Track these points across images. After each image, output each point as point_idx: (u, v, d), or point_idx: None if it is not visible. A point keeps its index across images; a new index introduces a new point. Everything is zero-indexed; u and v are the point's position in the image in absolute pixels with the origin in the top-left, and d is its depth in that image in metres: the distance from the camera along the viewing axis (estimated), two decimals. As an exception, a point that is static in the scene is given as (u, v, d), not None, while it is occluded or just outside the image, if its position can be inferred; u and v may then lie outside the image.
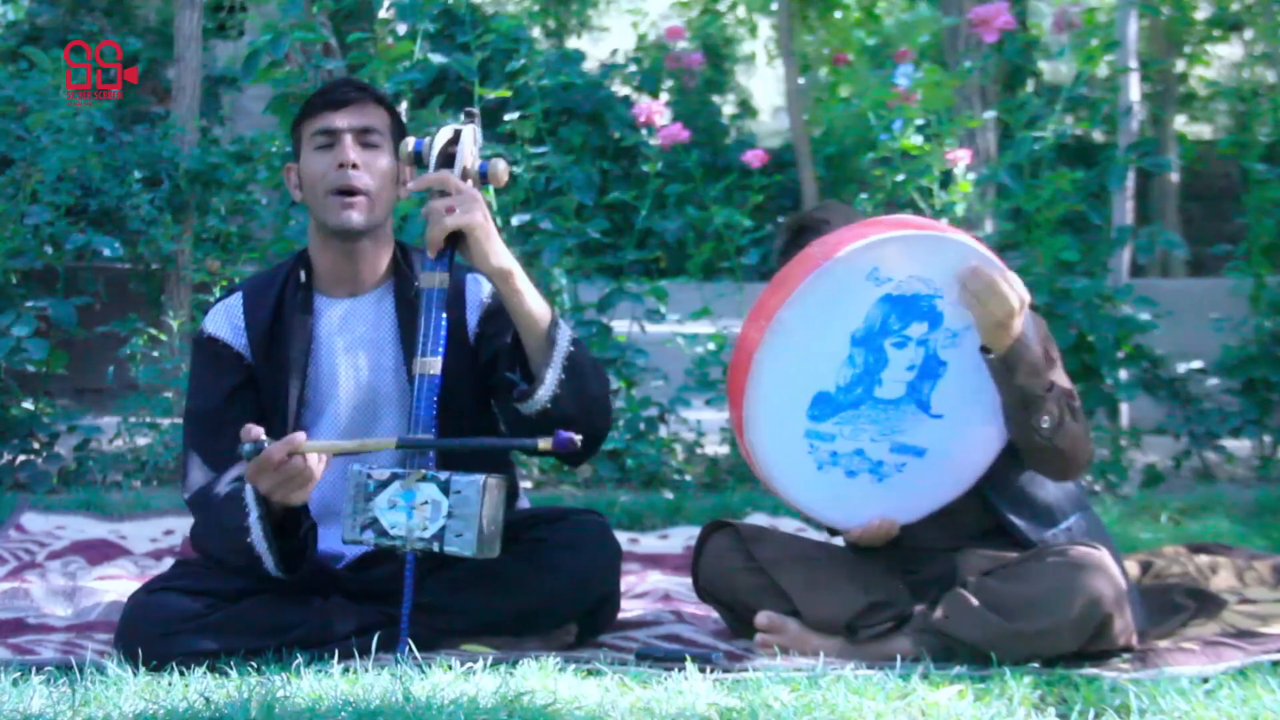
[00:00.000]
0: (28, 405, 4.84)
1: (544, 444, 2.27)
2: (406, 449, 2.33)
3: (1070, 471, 2.47)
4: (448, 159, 2.47)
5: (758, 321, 2.32)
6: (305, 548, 2.42)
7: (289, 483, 2.28)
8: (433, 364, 2.38)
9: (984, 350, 2.36)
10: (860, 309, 2.33)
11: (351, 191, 2.53)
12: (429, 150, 2.48)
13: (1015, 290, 2.30)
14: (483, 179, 2.48)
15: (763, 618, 2.49)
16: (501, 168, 2.48)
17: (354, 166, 2.52)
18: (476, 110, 2.56)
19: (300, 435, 2.28)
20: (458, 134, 2.49)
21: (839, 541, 2.67)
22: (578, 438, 2.26)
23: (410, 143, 2.51)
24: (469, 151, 2.47)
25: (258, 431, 2.28)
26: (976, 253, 2.34)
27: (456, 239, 2.42)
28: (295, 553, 2.41)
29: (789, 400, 2.37)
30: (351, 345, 2.62)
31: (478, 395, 2.62)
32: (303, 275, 2.62)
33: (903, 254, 2.31)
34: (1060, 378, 2.50)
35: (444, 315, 2.41)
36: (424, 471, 2.31)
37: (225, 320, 2.63)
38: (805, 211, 2.76)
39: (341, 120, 2.55)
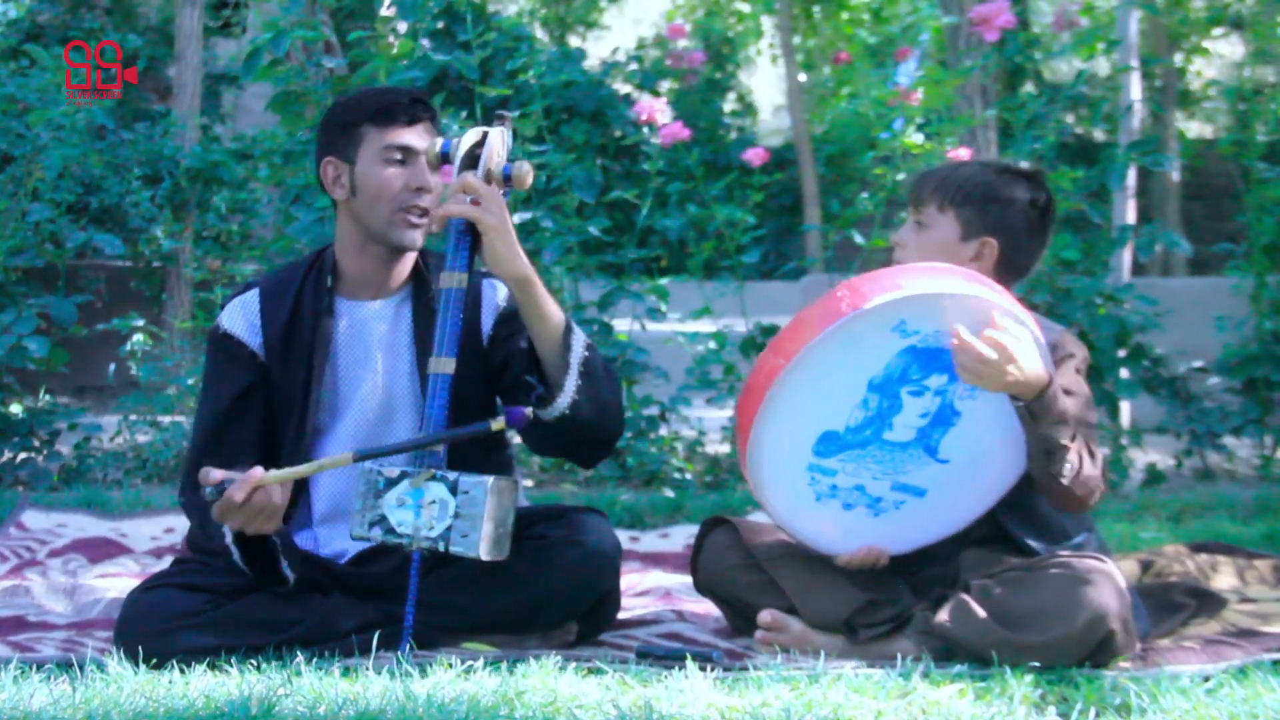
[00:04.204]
0: (29, 403, 4.84)
1: (496, 424, 2.31)
2: (364, 460, 2.34)
3: (1079, 509, 2.45)
4: (473, 160, 2.48)
5: (775, 358, 2.30)
6: (279, 563, 2.45)
7: (256, 517, 2.30)
8: (446, 364, 2.39)
9: (1012, 397, 2.34)
10: (882, 358, 2.31)
11: (425, 213, 2.55)
12: (455, 151, 2.49)
13: (1007, 355, 2.25)
14: (506, 181, 2.47)
15: (765, 616, 2.49)
16: (525, 170, 2.48)
17: (430, 191, 2.55)
18: (508, 114, 2.56)
19: (257, 471, 2.29)
20: (485, 136, 2.49)
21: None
22: (529, 411, 2.33)
23: (438, 143, 2.52)
24: (495, 153, 2.47)
25: (217, 474, 2.28)
26: (1010, 314, 2.29)
27: (476, 241, 2.43)
28: (269, 568, 2.44)
29: (796, 435, 2.37)
30: (369, 348, 2.62)
31: (486, 397, 2.63)
32: (328, 279, 2.62)
33: (934, 310, 2.27)
34: (1087, 414, 2.47)
35: (461, 316, 2.42)
36: (433, 471, 2.31)
37: (242, 317, 2.62)
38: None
39: (418, 140, 2.55)
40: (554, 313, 2.46)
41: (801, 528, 2.50)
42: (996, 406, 2.36)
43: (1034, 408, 2.31)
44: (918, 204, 2.59)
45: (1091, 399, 2.54)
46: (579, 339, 2.47)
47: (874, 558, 2.48)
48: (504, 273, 2.43)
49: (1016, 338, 2.27)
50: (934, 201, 2.56)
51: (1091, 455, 2.40)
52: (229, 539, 2.38)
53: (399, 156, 2.54)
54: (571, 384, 2.43)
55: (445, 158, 2.51)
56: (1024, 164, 2.66)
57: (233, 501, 2.26)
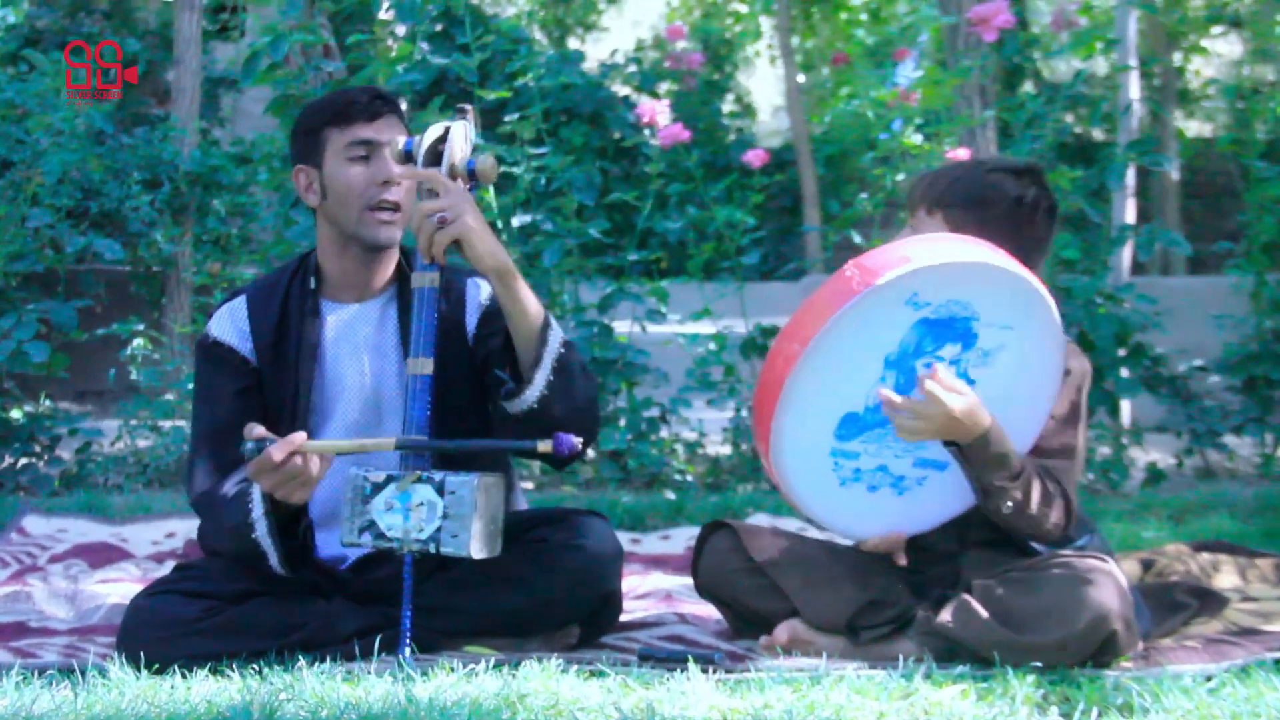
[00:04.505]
0: (29, 408, 4.85)
1: (543, 446, 2.27)
2: (405, 450, 2.33)
3: (1033, 538, 2.47)
4: (436, 157, 2.47)
5: (791, 344, 2.28)
6: (307, 546, 2.44)
7: (289, 482, 2.29)
8: (424, 364, 2.38)
9: (946, 442, 2.37)
10: (896, 333, 2.31)
11: (396, 208, 2.54)
12: (418, 149, 2.48)
13: (950, 397, 2.29)
14: (471, 176, 2.47)
15: (783, 632, 2.48)
16: (490, 164, 2.46)
17: (398, 184, 2.54)
18: (470, 107, 2.55)
19: (301, 435, 2.28)
20: (447, 131, 2.48)
21: (840, 540, 2.66)
22: (578, 441, 2.27)
23: (401, 141, 2.50)
24: (458, 148, 2.46)
25: (260, 430, 2.29)
26: (1016, 276, 2.31)
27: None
28: (298, 551, 2.43)
29: (817, 421, 2.36)
30: (356, 349, 2.62)
31: (474, 396, 2.62)
32: (312, 281, 2.62)
33: (944, 280, 2.27)
34: (1066, 437, 2.48)
35: (435, 315, 2.41)
36: (419, 473, 2.30)
37: (230, 325, 2.63)
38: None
39: (379, 133, 2.55)
40: (533, 307, 2.44)
41: (827, 515, 2.48)
42: (1009, 374, 2.37)
43: (968, 452, 2.35)
44: (911, 208, 2.59)
45: (1084, 420, 2.53)
46: (556, 335, 2.45)
47: (898, 539, 2.49)
48: (485, 268, 2.40)
49: (951, 388, 2.30)
50: (923, 205, 2.56)
51: (1046, 491, 2.41)
52: (258, 511, 2.36)
53: (362, 152, 2.54)
54: (542, 378, 2.41)
55: (409, 156, 2.49)
56: (1020, 160, 2.65)
57: (270, 460, 2.25)
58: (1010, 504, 2.37)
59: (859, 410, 2.37)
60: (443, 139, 2.47)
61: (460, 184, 2.43)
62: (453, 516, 2.26)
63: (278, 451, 2.25)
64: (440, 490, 2.27)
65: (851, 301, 2.23)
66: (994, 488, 2.37)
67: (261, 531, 2.37)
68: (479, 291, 2.64)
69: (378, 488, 2.31)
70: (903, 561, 2.52)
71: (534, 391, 2.41)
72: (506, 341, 2.48)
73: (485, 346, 2.59)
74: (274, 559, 2.40)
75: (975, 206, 2.51)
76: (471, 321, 2.63)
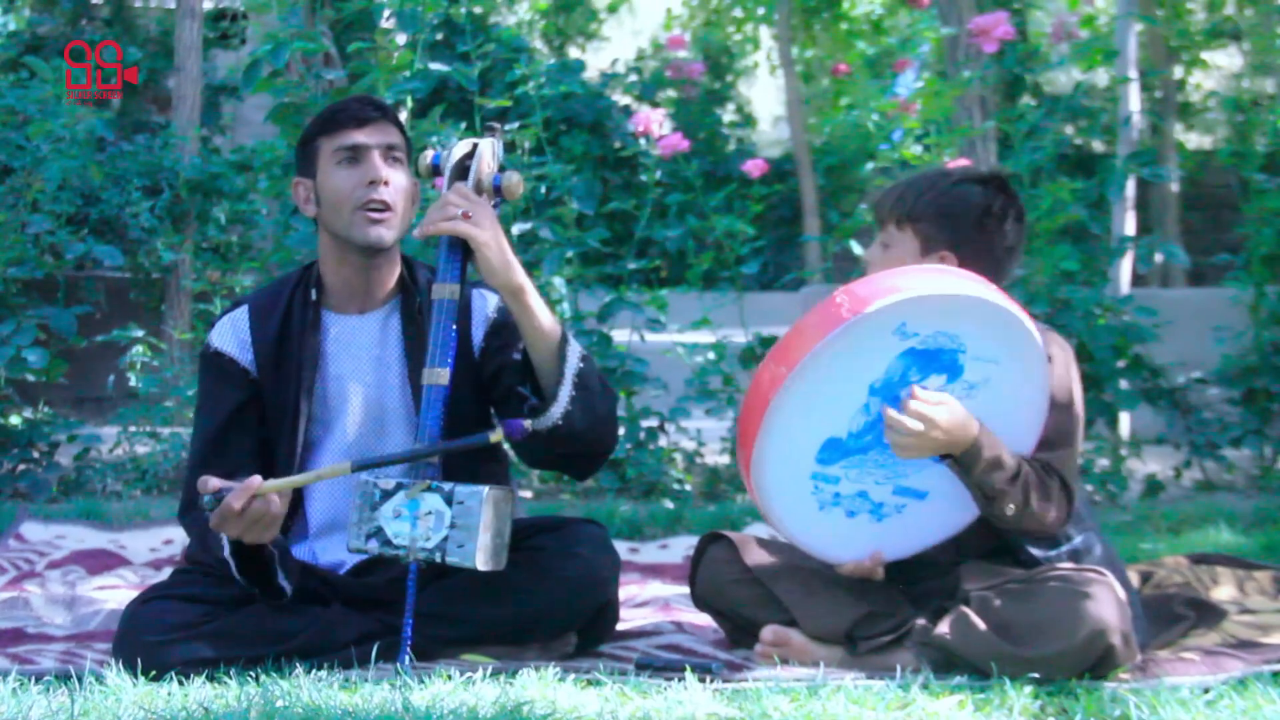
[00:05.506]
0: (28, 414, 4.84)
1: (495, 435, 2.31)
2: (361, 471, 2.34)
3: (1036, 535, 2.47)
4: (463, 172, 2.49)
5: (778, 367, 2.28)
6: (275, 575, 2.43)
7: (254, 526, 2.29)
8: (441, 374, 2.39)
9: (941, 457, 2.37)
10: (883, 361, 2.31)
11: (384, 207, 2.54)
12: (446, 163, 2.50)
13: (935, 410, 2.29)
14: (497, 192, 2.49)
15: (768, 632, 2.48)
16: (515, 180, 2.49)
17: (385, 183, 2.54)
18: (499, 126, 2.58)
19: (256, 479, 2.28)
20: (475, 147, 2.50)
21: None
22: (527, 423, 2.31)
23: (429, 155, 2.53)
24: (485, 165, 2.48)
25: (215, 483, 2.28)
26: (1005, 311, 2.30)
27: (468, 252, 2.43)
28: (270, 581, 2.43)
29: (799, 444, 2.36)
30: (359, 361, 2.62)
31: (479, 408, 2.63)
32: (313, 292, 2.62)
33: (934, 311, 2.27)
34: (1061, 424, 2.47)
35: (454, 327, 2.42)
36: (428, 482, 2.31)
37: (232, 335, 2.63)
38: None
39: (367, 137, 2.56)
40: (549, 323, 2.45)
41: (805, 538, 2.48)
42: (991, 407, 2.36)
43: (962, 460, 2.34)
44: (881, 222, 2.59)
45: (1079, 406, 2.52)
46: (574, 350, 2.46)
47: (875, 565, 2.48)
48: (498, 284, 2.43)
49: (938, 402, 2.30)
50: (892, 219, 2.56)
51: (1044, 487, 2.40)
52: (226, 550, 2.38)
53: (349, 155, 2.56)
54: (565, 394, 2.42)
55: (436, 169, 2.52)
56: (983, 169, 2.65)
57: (231, 509, 2.25)
58: (1013, 506, 2.37)
59: (842, 436, 2.36)
60: (471, 155, 2.50)
61: (485, 199, 2.45)
62: (460, 527, 2.27)
63: (236, 500, 2.25)
64: (449, 500, 2.28)
65: (839, 329, 2.23)
66: (996, 491, 2.36)
67: (235, 569, 2.39)
68: (486, 304, 2.64)
69: (386, 495, 2.32)
70: (880, 575, 2.51)
71: (559, 408, 2.42)
72: (525, 354, 2.49)
73: (497, 360, 2.60)
74: (254, 590, 2.43)
75: (945, 219, 2.52)
76: (478, 334, 2.64)
